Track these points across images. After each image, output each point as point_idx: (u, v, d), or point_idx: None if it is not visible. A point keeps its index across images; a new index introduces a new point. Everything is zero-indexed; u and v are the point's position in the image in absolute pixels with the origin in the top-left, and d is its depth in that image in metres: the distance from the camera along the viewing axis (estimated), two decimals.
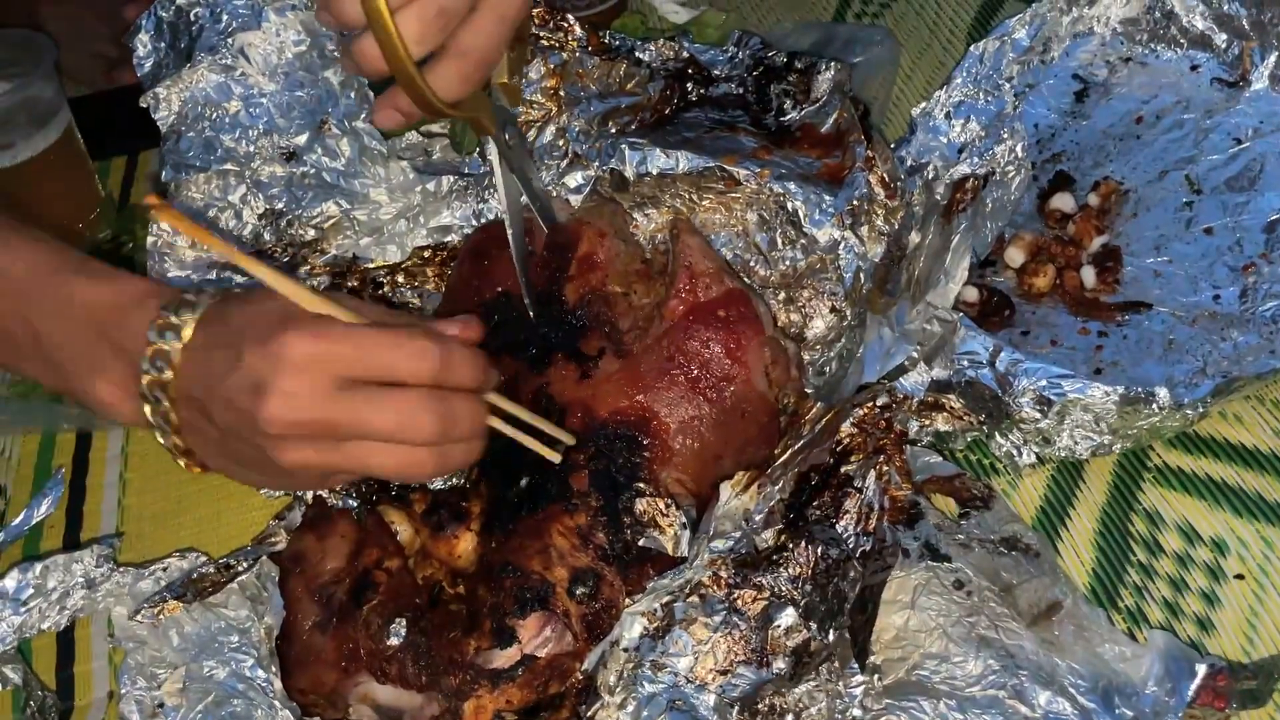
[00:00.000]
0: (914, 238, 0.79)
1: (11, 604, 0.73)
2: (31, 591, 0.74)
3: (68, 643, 0.79)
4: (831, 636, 0.58)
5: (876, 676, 0.62)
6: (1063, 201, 0.89)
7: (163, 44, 0.93)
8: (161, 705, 0.69)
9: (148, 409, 0.61)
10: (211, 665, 0.69)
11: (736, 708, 0.58)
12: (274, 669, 0.68)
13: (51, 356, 0.65)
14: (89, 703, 0.76)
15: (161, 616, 0.70)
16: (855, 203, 0.78)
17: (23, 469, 0.92)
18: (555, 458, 0.68)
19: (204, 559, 0.76)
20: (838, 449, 0.64)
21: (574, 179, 0.83)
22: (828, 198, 0.79)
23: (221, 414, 0.59)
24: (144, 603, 0.70)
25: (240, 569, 0.72)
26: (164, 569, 0.75)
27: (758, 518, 0.64)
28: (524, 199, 0.78)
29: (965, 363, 0.75)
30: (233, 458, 0.61)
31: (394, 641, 0.66)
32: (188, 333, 0.60)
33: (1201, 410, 0.73)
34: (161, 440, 0.63)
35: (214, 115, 0.88)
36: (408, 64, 0.63)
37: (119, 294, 0.63)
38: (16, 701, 0.76)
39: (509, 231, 0.75)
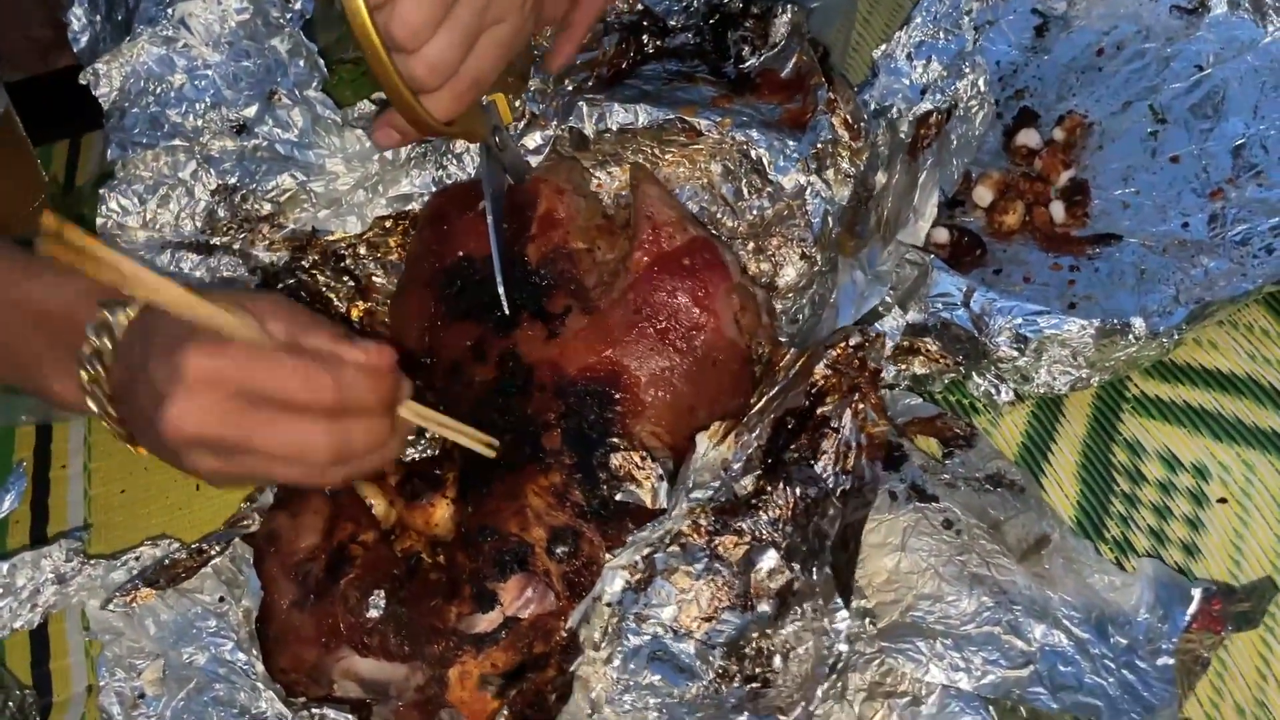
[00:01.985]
0: (880, 178, 0.78)
1: None
2: (0, 591, 0.72)
3: (42, 639, 0.77)
4: (815, 575, 0.57)
5: (870, 620, 0.61)
6: (1028, 138, 0.89)
7: (98, 17, 0.90)
8: (143, 695, 0.68)
9: (90, 402, 0.62)
10: (190, 652, 0.68)
11: (722, 652, 0.57)
12: (255, 651, 0.67)
13: (6, 357, 0.67)
14: (68, 698, 0.75)
15: (135, 604, 0.69)
16: (819, 146, 0.77)
17: None
18: (490, 454, 0.68)
19: (176, 545, 0.74)
20: (813, 391, 0.63)
21: (532, 139, 0.82)
22: (791, 143, 0.78)
23: (135, 417, 0.61)
24: (116, 591, 0.69)
25: (213, 553, 0.70)
26: (136, 558, 0.74)
27: (736, 466, 0.63)
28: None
29: (939, 305, 0.74)
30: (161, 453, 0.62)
31: (373, 614, 0.65)
32: (121, 330, 0.61)
33: (1177, 338, 0.72)
34: (110, 428, 0.64)
35: (158, 90, 0.85)
36: (403, 89, 0.63)
37: (64, 294, 0.65)
38: None
39: (490, 233, 0.74)
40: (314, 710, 0.65)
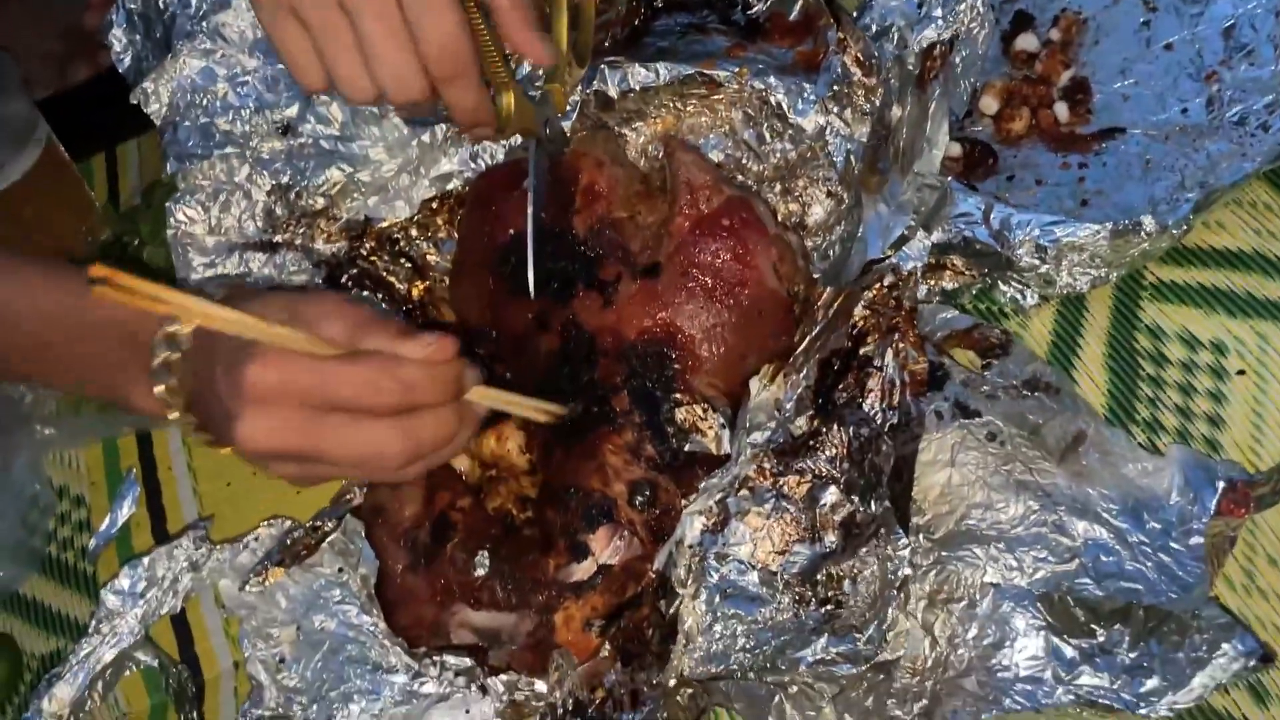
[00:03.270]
0: (895, 112, 0.81)
1: (130, 598, 0.80)
2: (145, 584, 0.80)
3: (183, 626, 0.85)
4: (874, 507, 0.64)
5: (926, 534, 0.68)
6: (1026, 42, 0.91)
7: (137, 36, 0.94)
8: (283, 660, 0.75)
9: (170, 414, 0.64)
10: (321, 619, 0.75)
11: (797, 580, 0.64)
12: (376, 612, 0.74)
13: (88, 378, 0.71)
14: (217, 674, 0.83)
15: (266, 583, 0.76)
16: (835, 87, 0.80)
17: (93, 475, 0.97)
18: (563, 411, 0.73)
19: (291, 524, 0.82)
20: (854, 332, 0.69)
21: None
22: (808, 86, 0.81)
23: (214, 426, 0.62)
24: (249, 574, 0.77)
25: (328, 529, 0.78)
26: (256, 539, 0.81)
27: (788, 406, 0.69)
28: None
29: (961, 224, 0.79)
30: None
31: (480, 572, 0.73)
32: (187, 341, 0.62)
33: (1186, 227, 0.76)
34: (175, 421, 0.65)
35: (204, 101, 0.90)
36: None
37: (130, 310, 0.65)
38: (150, 683, 0.84)
39: (529, 223, 0.77)
40: (436, 658, 0.71)
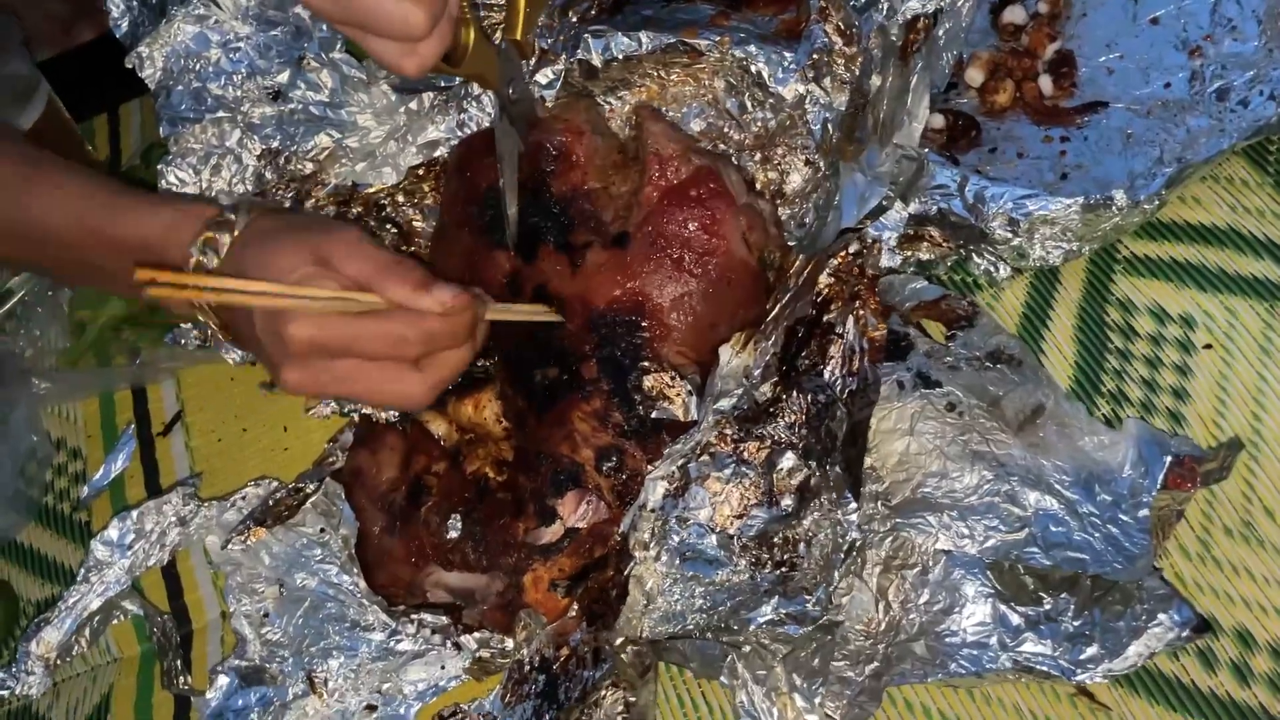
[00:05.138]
0: (874, 81, 0.82)
1: (119, 549, 0.83)
2: (133, 536, 0.83)
3: (173, 577, 0.89)
4: (829, 471, 0.65)
5: (883, 501, 0.69)
6: (1014, 14, 0.92)
7: (135, 1, 0.96)
8: (267, 615, 0.78)
9: (201, 316, 0.73)
10: (302, 577, 0.78)
11: (754, 543, 0.65)
12: (356, 572, 0.77)
13: (114, 281, 0.77)
14: (204, 624, 0.86)
15: (249, 541, 0.79)
16: (815, 56, 0.81)
17: (89, 428, 1.01)
18: (559, 318, 0.76)
19: (275, 484, 0.84)
20: (818, 299, 0.70)
21: (544, 75, 0.86)
22: (788, 55, 0.82)
23: (247, 342, 0.72)
24: (232, 532, 0.79)
25: (309, 490, 0.80)
26: (243, 498, 0.84)
27: (756, 373, 0.71)
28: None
29: (937, 196, 0.80)
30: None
31: (453, 534, 0.75)
32: (225, 250, 0.70)
33: (1159, 202, 0.77)
34: (212, 328, 0.74)
35: (197, 66, 0.91)
36: None
37: (164, 221, 0.73)
38: (140, 630, 0.87)
39: (503, 182, 0.79)
40: (413, 616, 0.75)
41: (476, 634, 0.72)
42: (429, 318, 0.66)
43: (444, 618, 0.74)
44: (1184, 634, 0.60)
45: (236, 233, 0.71)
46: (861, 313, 0.68)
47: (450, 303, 0.66)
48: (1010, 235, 0.79)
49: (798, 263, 0.77)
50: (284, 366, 0.65)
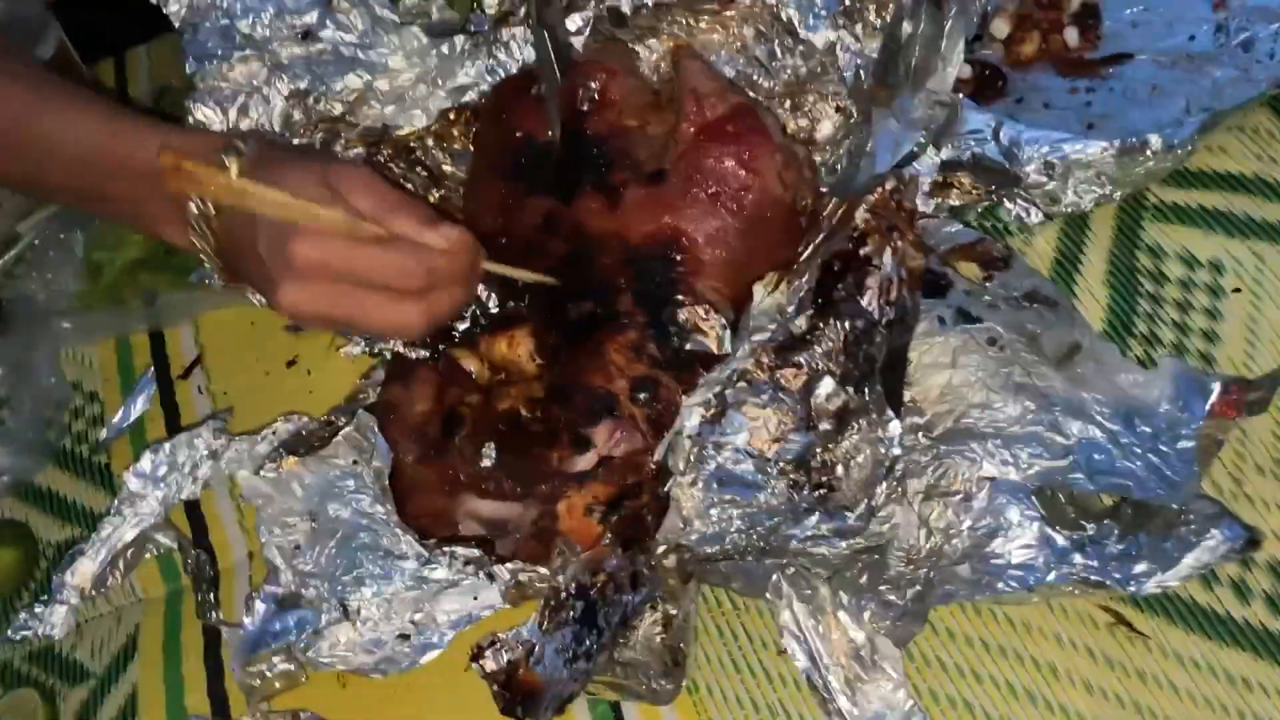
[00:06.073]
0: (906, 28, 0.82)
1: (152, 481, 0.83)
2: (166, 468, 0.83)
3: (198, 519, 0.88)
4: (867, 395, 0.65)
5: (925, 433, 0.69)
6: None
7: None
8: (298, 546, 0.78)
9: (195, 240, 0.71)
10: (335, 507, 0.78)
11: (792, 466, 0.66)
12: (389, 503, 0.76)
13: (124, 212, 0.78)
14: (231, 565, 0.86)
15: (281, 470, 0.79)
16: (847, 2, 0.81)
17: (106, 371, 1.00)
18: (554, 281, 0.77)
19: (306, 419, 0.84)
20: (855, 234, 0.70)
21: (573, 22, 0.87)
22: (819, 1, 0.82)
23: (245, 273, 0.70)
24: (265, 460, 0.79)
25: (341, 423, 0.80)
26: (273, 432, 0.83)
27: (790, 309, 0.71)
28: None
29: (971, 141, 0.80)
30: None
31: (487, 463, 0.75)
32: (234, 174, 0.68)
33: (1190, 148, 0.78)
34: (208, 263, 0.73)
35: (224, 3, 0.91)
36: None
37: (173, 144, 0.70)
38: (165, 570, 0.87)
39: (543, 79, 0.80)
40: (446, 548, 0.74)
41: (510, 565, 0.72)
42: (433, 253, 0.67)
43: (476, 550, 0.74)
44: (1237, 546, 0.60)
45: (245, 158, 0.70)
46: (900, 244, 0.69)
47: (454, 237, 0.67)
48: (1045, 179, 0.79)
49: (831, 205, 0.77)
50: (284, 283, 0.65)
